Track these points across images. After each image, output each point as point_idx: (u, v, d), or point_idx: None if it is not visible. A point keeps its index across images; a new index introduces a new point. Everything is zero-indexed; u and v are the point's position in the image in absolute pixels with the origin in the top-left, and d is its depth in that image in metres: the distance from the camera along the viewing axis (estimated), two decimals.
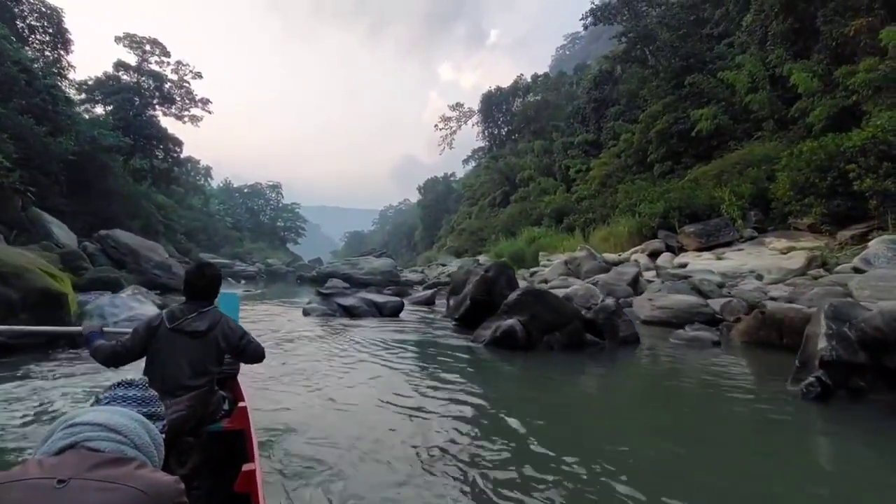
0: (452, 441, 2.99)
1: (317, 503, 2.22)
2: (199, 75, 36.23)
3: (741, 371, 5.16)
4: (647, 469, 2.66)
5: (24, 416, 3.29)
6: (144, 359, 2.20)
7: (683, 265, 12.30)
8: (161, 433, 1.24)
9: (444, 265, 26.55)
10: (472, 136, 56.32)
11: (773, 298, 7.84)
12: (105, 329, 2.48)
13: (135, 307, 6.34)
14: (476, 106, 54.47)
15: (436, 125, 58.13)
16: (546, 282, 13.00)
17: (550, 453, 2.79)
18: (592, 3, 28.74)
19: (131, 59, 33.94)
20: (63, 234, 16.09)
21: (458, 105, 57.94)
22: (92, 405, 1.25)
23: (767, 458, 2.88)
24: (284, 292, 19.01)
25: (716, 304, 8.30)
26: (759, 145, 16.06)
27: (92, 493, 0.92)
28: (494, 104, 51.89)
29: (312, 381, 4.40)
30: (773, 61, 16.48)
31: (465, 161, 61.27)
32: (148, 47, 34.12)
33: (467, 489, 2.36)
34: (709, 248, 13.32)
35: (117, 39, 33.43)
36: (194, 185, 53.92)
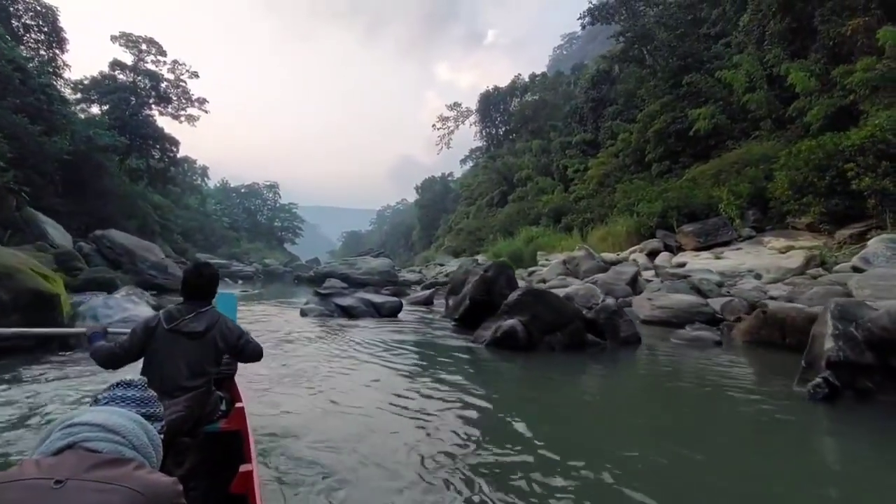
0: (454, 444, 2.94)
1: None
2: (195, 75, 36.19)
3: (744, 371, 5.13)
4: (650, 471, 2.61)
5: (14, 419, 3.21)
6: (142, 360, 2.16)
7: (682, 265, 12.30)
8: (159, 434, 1.23)
9: (441, 265, 26.51)
10: (469, 135, 56.46)
11: (772, 298, 7.83)
12: (109, 330, 2.45)
13: (129, 308, 6.25)
14: (474, 106, 54.58)
15: (433, 125, 58.29)
16: (544, 281, 12.97)
17: (552, 455, 2.75)
18: (590, 2, 28.84)
19: (127, 58, 33.89)
20: (58, 234, 15.96)
21: (456, 105, 58.08)
22: (91, 405, 1.24)
23: (773, 458, 2.85)
24: (282, 292, 18.90)
25: (716, 303, 8.28)
26: (757, 145, 16.10)
27: (89, 494, 0.91)
28: (492, 104, 51.86)
29: (312, 384, 4.34)
30: (770, 61, 16.52)
31: (463, 161, 61.26)
32: (144, 46, 34.01)
33: (469, 494, 2.31)
34: (707, 248, 13.33)
35: (113, 38, 33.32)
36: (191, 185, 53.81)
